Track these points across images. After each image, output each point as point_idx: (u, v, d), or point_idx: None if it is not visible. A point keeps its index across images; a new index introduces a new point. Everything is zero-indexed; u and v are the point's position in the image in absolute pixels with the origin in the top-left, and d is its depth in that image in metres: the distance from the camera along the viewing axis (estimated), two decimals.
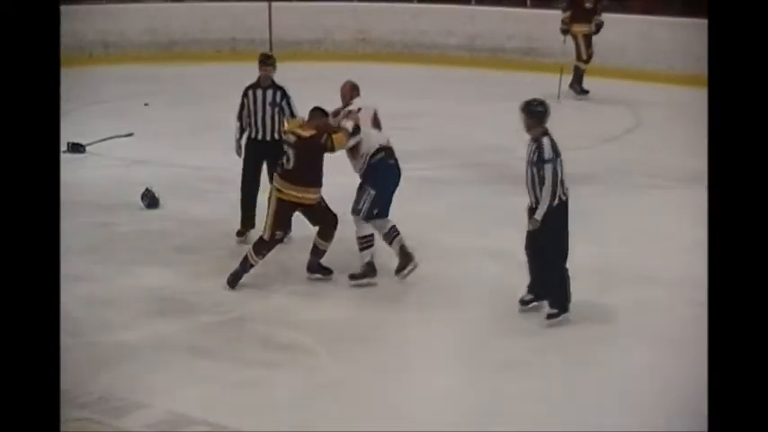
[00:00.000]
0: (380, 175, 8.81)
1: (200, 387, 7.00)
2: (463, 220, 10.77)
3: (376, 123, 8.96)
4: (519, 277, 9.02)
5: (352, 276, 8.82)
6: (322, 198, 8.77)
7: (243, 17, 21.33)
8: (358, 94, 9.08)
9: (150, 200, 11.09)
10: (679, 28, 18.33)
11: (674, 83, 17.43)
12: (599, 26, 17.05)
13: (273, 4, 21.37)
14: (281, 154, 9.14)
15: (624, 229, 10.32)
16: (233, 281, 8.68)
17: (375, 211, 8.79)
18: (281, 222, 8.66)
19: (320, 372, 7.34)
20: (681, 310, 8.27)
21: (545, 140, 7.92)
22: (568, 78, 17.14)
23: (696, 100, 16.33)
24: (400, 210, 9.01)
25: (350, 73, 18.10)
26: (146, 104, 16.42)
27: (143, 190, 11.10)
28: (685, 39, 17.73)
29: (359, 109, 8.85)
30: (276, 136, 9.83)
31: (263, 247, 8.70)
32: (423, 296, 8.59)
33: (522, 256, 8.37)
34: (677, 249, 9.67)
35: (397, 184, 8.93)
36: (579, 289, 8.71)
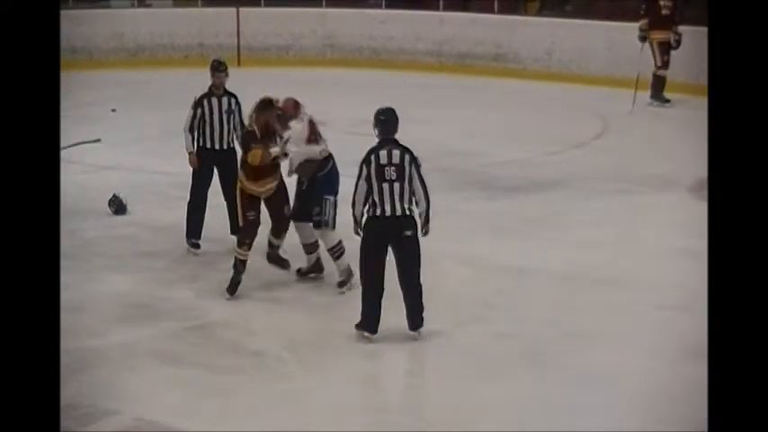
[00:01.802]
0: (334, 181, 8.78)
1: (170, 393, 6.97)
2: (433, 224, 10.73)
3: (314, 132, 8.90)
4: (489, 282, 9.06)
5: (341, 284, 8.74)
6: (283, 192, 8.76)
7: (210, 23, 21.28)
8: (301, 112, 8.96)
9: (118, 206, 11.04)
10: None
11: (642, 89, 17.49)
12: (678, 41, 16.92)
13: (241, 9, 21.35)
14: (234, 162, 9.16)
15: (593, 234, 10.35)
16: (233, 289, 8.60)
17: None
18: (249, 205, 8.63)
19: (289, 379, 7.33)
20: (651, 314, 8.32)
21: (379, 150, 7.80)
22: (638, 92, 16.85)
23: (664, 105, 16.54)
24: None
25: (318, 78, 18.15)
26: (113, 110, 16.32)
27: (110, 196, 11.05)
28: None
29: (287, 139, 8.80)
30: (226, 145, 9.79)
31: (244, 237, 8.63)
32: (392, 303, 8.56)
33: (492, 261, 8.37)
34: (647, 254, 9.72)
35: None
36: (549, 294, 8.76)
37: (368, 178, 7.65)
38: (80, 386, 6.96)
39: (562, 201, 11.65)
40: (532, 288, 8.90)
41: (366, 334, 7.74)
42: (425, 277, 9.07)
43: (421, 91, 18.44)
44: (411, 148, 13.71)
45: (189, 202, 9.85)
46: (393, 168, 7.65)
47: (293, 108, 8.96)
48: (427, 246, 9.85)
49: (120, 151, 13.61)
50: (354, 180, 7.77)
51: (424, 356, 7.70)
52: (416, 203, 7.73)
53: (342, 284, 8.77)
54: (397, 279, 7.78)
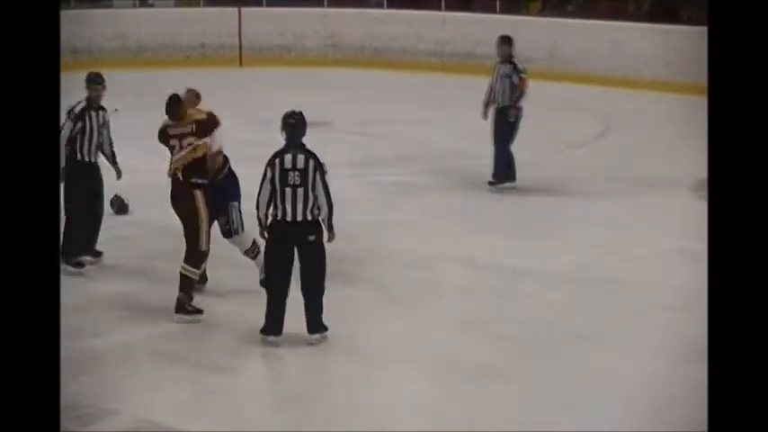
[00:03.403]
0: (236, 185, 8.71)
1: (170, 393, 6.98)
2: (434, 225, 10.79)
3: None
4: (489, 282, 9.06)
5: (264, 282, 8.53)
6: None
7: (212, 23, 21.30)
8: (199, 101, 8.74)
9: (119, 206, 11.06)
10: (647, 34, 18.43)
11: (643, 89, 17.51)
12: None
13: (243, 9, 21.36)
14: (100, 177, 8.95)
15: (594, 235, 10.36)
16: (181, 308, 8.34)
17: None
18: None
19: (290, 379, 7.34)
20: (651, 315, 8.33)
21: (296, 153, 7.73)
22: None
23: (664, 106, 16.56)
24: (371, 216, 9.03)
25: (320, 78, 18.16)
26: (115, 110, 16.29)
27: (112, 196, 11.05)
28: (653, 45, 17.83)
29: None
30: (95, 159, 9.63)
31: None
32: (394, 302, 8.58)
33: (493, 262, 8.36)
34: (647, 255, 9.73)
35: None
36: (550, 294, 8.77)
37: (272, 181, 7.63)
38: (81, 386, 6.97)
39: (563, 201, 11.66)
40: (533, 288, 8.91)
41: (270, 338, 7.73)
42: (426, 277, 9.12)
43: (422, 91, 18.47)
44: (412, 148, 13.79)
45: (66, 220, 9.37)
46: (297, 173, 7.61)
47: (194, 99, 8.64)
48: (427, 246, 9.92)
49: (121, 151, 13.55)
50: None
51: (424, 356, 7.69)
52: (319, 209, 7.67)
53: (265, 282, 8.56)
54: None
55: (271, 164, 7.67)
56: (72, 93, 15.80)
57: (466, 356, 7.58)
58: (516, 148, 14.19)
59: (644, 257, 9.65)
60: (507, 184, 12.00)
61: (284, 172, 7.61)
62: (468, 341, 7.85)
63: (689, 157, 11.60)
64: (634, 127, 15.79)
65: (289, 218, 7.60)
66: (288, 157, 7.66)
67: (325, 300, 8.47)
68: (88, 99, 9.69)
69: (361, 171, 11.62)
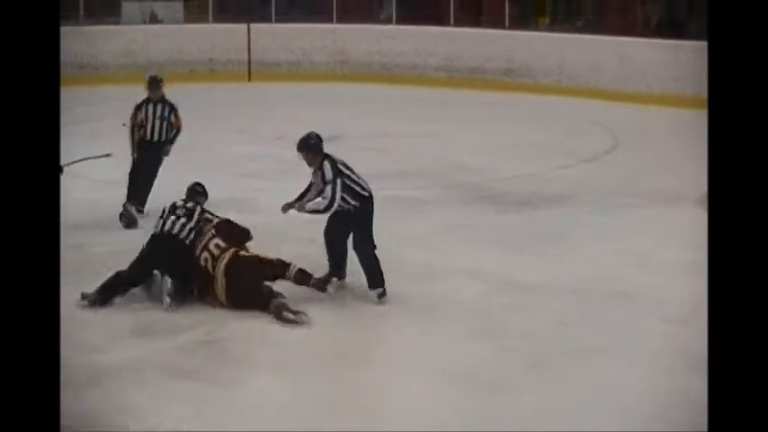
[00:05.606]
0: None
1: (178, 408, 6.96)
2: (443, 240, 10.77)
3: None
4: (499, 297, 9.03)
5: None
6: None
7: (221, 39, 21.36)
8: None
9: (129, 219, 11.06)
10: (655, 49, 18.46)
11: (652, 103, 17.50)
12: None
13: (252, 25, 21.43)
14: None
15: (601, 249, 10.33)
16: None
17: None
18: None
19: (300, 392, 7.31)
20: (656, 328, 8.30)
21: (325, 165, 8.65)
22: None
23: (673, 120, 16.56)
24: (380, 230, 8.97)
25: (329, 93, 18.15)
26: (124, 125, 16.31)
27: (122, 210, 11.06)
28: (661, 59, 17.85)
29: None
30: None
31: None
32: (403, 316, 8.56)
33: (503, 277, 8.33)
34: (656, 269, 9.69)
35: None
36: (558, 308, 8.75)
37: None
38: (86, 402, 6.95)
39: (572, 215, 11.64)
40: (541, 302, 8.87)
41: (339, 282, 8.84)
42: (435, 291, 9.11)
43: (432, 106, 18.48)
44: (421, 162, 13.87)
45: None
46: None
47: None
48: (438, 260, 9.90)
49: (130, 166, 13.62)
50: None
51: (433, 367, 7.67)
52: None
53: None
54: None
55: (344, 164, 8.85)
56: (81, 107, 15.79)
57: (474, 368, 7.56)
58: (525, 161, 14.24)
59: (654, 271, 9.61)
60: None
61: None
62: (478, 354, 7.83)
63: (697, 170, 11.56)
64: (643, 141, 15.78)
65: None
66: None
67: (331, 314, 8.46)
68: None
69: (370, 185, 11.61)
